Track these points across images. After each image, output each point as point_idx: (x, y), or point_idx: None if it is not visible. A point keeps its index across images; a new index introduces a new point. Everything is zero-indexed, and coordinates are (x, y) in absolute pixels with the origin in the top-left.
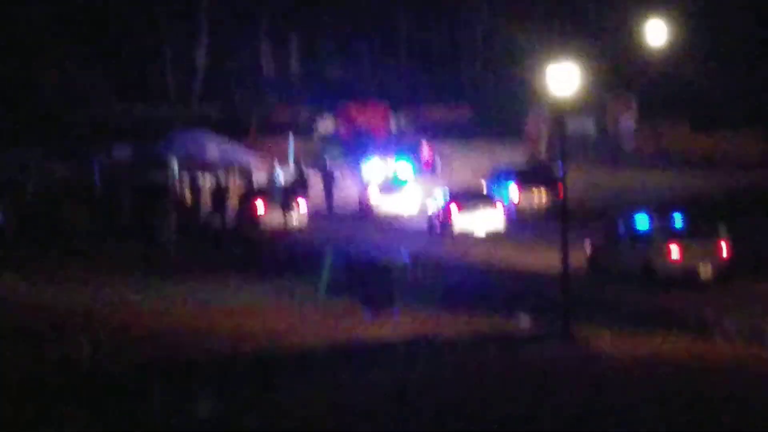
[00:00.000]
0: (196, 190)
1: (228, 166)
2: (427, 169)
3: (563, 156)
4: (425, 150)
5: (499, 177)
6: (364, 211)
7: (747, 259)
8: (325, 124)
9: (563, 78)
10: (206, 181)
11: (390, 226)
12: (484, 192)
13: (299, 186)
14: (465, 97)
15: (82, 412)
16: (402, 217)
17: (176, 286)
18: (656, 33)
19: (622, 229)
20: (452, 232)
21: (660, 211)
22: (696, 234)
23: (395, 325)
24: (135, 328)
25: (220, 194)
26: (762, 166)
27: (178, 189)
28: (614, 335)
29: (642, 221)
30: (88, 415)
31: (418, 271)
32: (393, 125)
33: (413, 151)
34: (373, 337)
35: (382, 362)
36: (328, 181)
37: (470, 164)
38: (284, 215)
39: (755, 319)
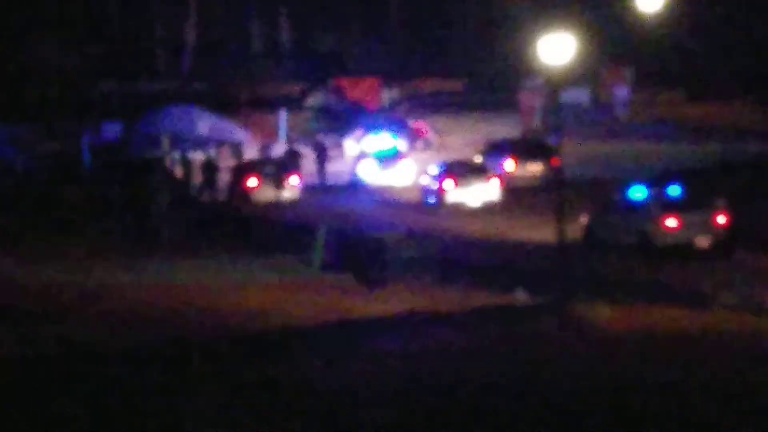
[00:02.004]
0: (187, 166)
1: (219, 141)
2: (421, 141)
3: (558, 127)
4: (418, 125)
5: (493, 149)
6: (356, 185)
7: (743, 230)
8: (317, 98)
9: (557, 49)
10: (197, 157)
11: (384, 199)
12: (479, 165)
13: (291, 160)
14: (458, 69)
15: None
16: (396, 190)
17: (168, 263)
18: (651, 1)
19: (618, 200)
20: (447, 204)
21: (656, 182)
22: (693, 205)
23: (390, 300)
24: (127, 307)
25: (211, 170)
26: (757, 135)
27: (168, 165)
28: (611, 308)
29: (638, 192)
30: (84, 396)
31: (412, 244)
32: (385, 98)
33: (406, 125)
34: (368, 313)
35: (376, 338)
36: (320, 155)
37: (464, 137)
38: (276, 190)
39: (753, 289)
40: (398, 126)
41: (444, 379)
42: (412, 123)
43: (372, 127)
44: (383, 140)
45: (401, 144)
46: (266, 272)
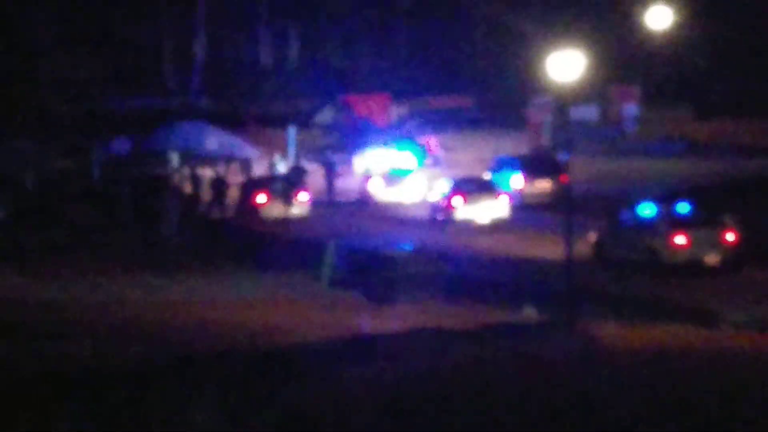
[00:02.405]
0: (195, 182)
1: (228, 157)
2: (430, 158)
3: (566, 144)
4: (427, 141)
5: (502, 166)
6: (365, 202)
7: (752, 248)
8: (326, 115)
9: (565, 66)
10: (206, 174)
11: (393, 216)
12: (488, 181)
13: (299, 177)
14: (467, 86)
15: (84, 410)
16: (405, 207)
17: (177, 280)
18: (660, 18)
19: (627, 217)
20: (456, 221)
21: (665, 200)
22: (702, 222)
23: (398, 317)
24: (136, 323)
25: (220, 186)
26: (766, 153)
27: (177, 181)
28: (620, 325)
29: (647, 209)
30: (90, 412)
31: (421, 261)
32: (394, 115)
33: (415, 141)
34: (377, 330)
35: (385, 355)
36: (329, 171)
37: (473, 154)
38: (285, 206)
39: (761, 307)
40: (407, 142)
41: (450, 395)
42: (422, 138)
43: (381, 143)
44: (393, 157)
45: (410, 161)
46: (275, 288)
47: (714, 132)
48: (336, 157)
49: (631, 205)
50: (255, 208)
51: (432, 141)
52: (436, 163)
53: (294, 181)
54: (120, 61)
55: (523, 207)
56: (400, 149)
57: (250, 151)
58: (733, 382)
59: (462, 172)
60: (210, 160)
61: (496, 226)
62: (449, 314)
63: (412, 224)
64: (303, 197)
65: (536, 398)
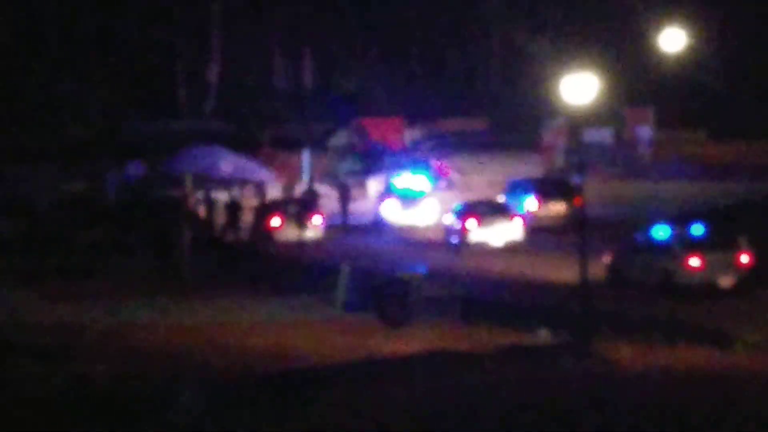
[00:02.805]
0: (210, 205)
1: (242, 181)
2: (443, 181)
3: (581, 167)
4: (439, 165)
5: (516, 189)
6: (379, 225)
7: (766, 269)
8: (340, 138)
9: (579, 88)
10: (220, 197)
11: (407, 239)
12: (502, 204)
13: (314, 200)
14: (481, 109)
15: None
16: (419, 229)
17: (191, 303)
18: (673, 41)
19: (641, 240)
20: (470, 244)
21: (679, 222)
22: (716, 245)
23: (413, 339)
24: (150, 346)
25: (234, 209)
26: None
27: (192, 205)
28: (634, 348)
29: (661, 232)
30: None
31: (435, 284)
32: (408, 138)
33: (429, 164)
34: (391, 352)
35: (400, 377)
36: (344, 194)
37: (486, 176)
38: (299, 229)
39: None
40: (421, 165)
41: (466, 416)
42: (435, 163)
43: (395, 166)
44: (408, 180)
45: (425, 183)
46: (289, 312)
47: (728, 154)
48: (350, 180)
49: (646, 228)
50: (269, 232)
51: (443, 165)
52: (450, 185)
53: (311, 204)
54: (135, 85)
55: (536, 230)
56: (414, 172)
57: (264, 174)
58: (747, 402)
59: (476, 195)
60: (224, 183)
61: (510, 249)
62: (464, 337)
63: (426, 247)
64: (317, 220)
65: (551, 420)
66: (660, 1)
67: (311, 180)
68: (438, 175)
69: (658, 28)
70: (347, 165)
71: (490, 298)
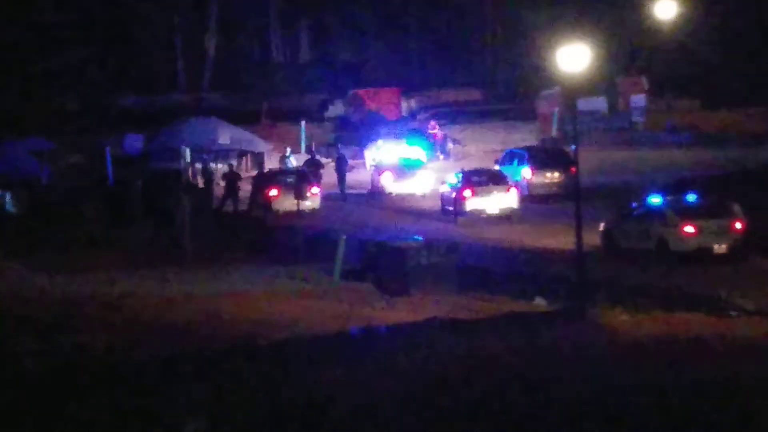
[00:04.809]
0: (208, 176)
1: (240, 152)
2: (436, 146)
3: (575, 136)
4: (435, 131)
5: (511, 158)
6: (376, 194)
7: (760, 237)
8: (337, 109)
9: (573, 58)
10: (218, 168)
11: (403, 208)
12: (497, 173)
13: (311, 171)
14: (476, 78)
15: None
16: (415, 199)
17: (190, 273)
18: (666, 9)
19: (636, 207)
20: (466, 212)
21: (673, 190)
22: (710, 212)
23: (410, 308)
24: (150, 317)
25: (232, 181)
26: None
27: (190, 176)
28: (630, 314)
29: (656, 199)
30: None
31: (432, 253)
32: (404, 108)
33: (425, 134)
34: (388, 322)
35: (397, 347)
36: (340, 165)
37: (482, 146)
38: (297, 200)
39: None
40: (417, 135)
41: (463, 383)
42: (428, 126)
43: (392, 136)
44: (402, 150)
45: (421, 153)
46: (287, 282)
47: (721, 122)
48: (347, 151)
49: (640, 195)
50: (267, 202)
51: (437, 129)
52: (446, 155)
53: (309, 174)
54: (132, 58)
55: (532, 198)
56: (410, 142)
57: (261, 145)
58: (744, 367)
59: (472, 164)
60: (222, 154)
61: (506, 217)
62: (460, 305)
63: (422, 216)
64: (314, 190)
65: (547, 386)
66: None
67: (310, 148)
68: (432, 142)
69: None
70: (344, 136)
71: (486, 266)
